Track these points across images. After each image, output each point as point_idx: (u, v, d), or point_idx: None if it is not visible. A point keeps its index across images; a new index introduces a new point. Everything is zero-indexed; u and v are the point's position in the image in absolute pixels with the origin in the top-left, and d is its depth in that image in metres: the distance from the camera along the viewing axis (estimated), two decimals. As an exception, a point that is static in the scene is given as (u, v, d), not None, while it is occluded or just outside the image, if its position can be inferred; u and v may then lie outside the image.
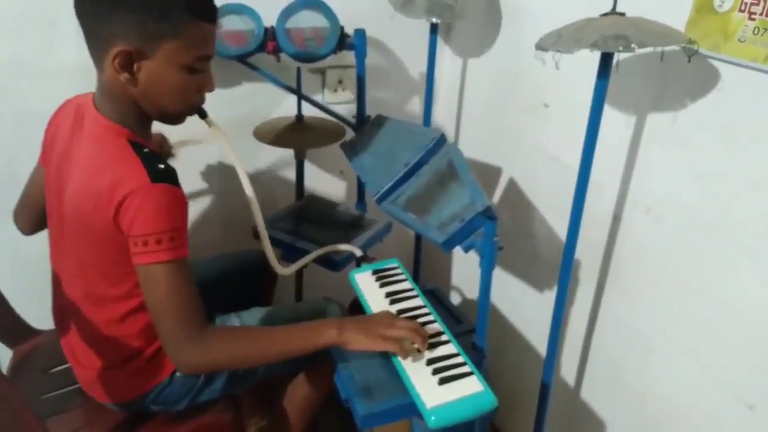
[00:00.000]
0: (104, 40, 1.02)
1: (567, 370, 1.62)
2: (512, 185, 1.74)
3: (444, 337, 1.18)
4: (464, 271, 2.13)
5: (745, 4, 1.01)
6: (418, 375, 1.08)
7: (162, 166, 1.05)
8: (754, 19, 1.00)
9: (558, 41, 1.09)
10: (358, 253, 1.52)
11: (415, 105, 2.03)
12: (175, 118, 1.16)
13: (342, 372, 1.14)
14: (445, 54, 1.97)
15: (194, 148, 1.80)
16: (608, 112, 1.20)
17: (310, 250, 1.51)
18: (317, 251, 1.49)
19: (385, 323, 1.14)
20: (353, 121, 1.79)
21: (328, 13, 1.63)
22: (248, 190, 1.33)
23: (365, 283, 1.35)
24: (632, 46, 1.00)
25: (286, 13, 1.60)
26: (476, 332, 1.28)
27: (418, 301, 1.28)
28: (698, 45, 1.05)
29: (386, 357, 1.14)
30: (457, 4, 1.56)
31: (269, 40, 1.61)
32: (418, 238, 2.03)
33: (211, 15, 1.07)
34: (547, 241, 1.62)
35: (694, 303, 1.22)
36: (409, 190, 1.38)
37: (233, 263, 1.64)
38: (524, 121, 1.66)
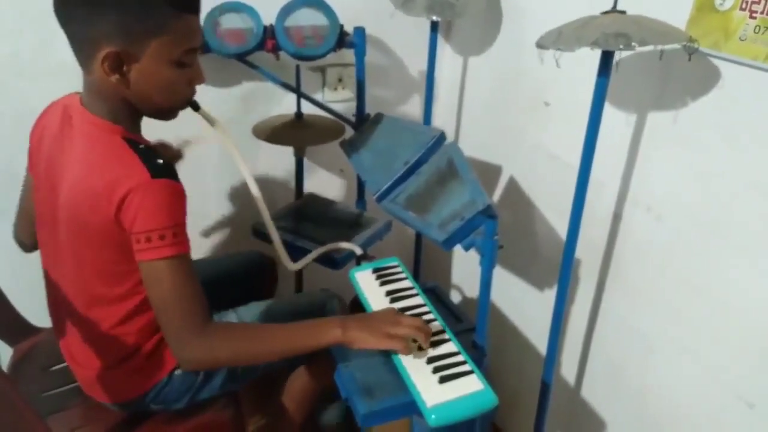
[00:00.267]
0: (90, 43, 1.01)
1: (567, 368, 1.62)
2: (512, 184, 1.74)
3: (444, 336, 1.18)
4: (464, 269, 2.12)
5: (746, 2, 1.01)
6: (418, 373, 1.08)
7: (160, 161, 1.05)
8: (755, 18, 1.00)
9: (559, 39, 1.09)
10: (359, 251, 1.52)
11: (415, 103, 2.03)
12: (167, 113, 1.15)
13: (342, 370, 1.14)
14: (446, 52, 1.96)
15: (194, 148, 1.80)
16: (609, 111, 1.20)
17: (310, 248, 1.51)
18: (323, 248, 1.49)
19: (389, 321, 1.13)
20: (353, 119, 1.78)
21: (327, 11, 1.62)
22: (253, 188, 1.35)
23: (365, 282, 1.35)
24: (633, 44, 1.00)
25: (286, 11, 1.60)
26: (476, 331, 1.28)
27: (419, 300, 1.28)
28: (699, 43, 1.05)
29: (386, 355, 1.14)
30: (458, 2, 1.55)
31: (268, 39, 1.61)
32: (418, 236, 2.03)
33: (194, 6, 1.06)
34: (548, 240, 1.62)
35: (695, 302, 1.22)
36: (409, 188, 1.38)
37: (234, 264, 1.64)
38: (525, 120, 1.66)
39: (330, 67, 1.86)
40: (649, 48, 1.04)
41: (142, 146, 1.07)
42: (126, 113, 1.10)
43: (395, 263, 1.40)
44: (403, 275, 1.36)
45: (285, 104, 1.83)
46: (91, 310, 1.17)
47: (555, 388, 1.50)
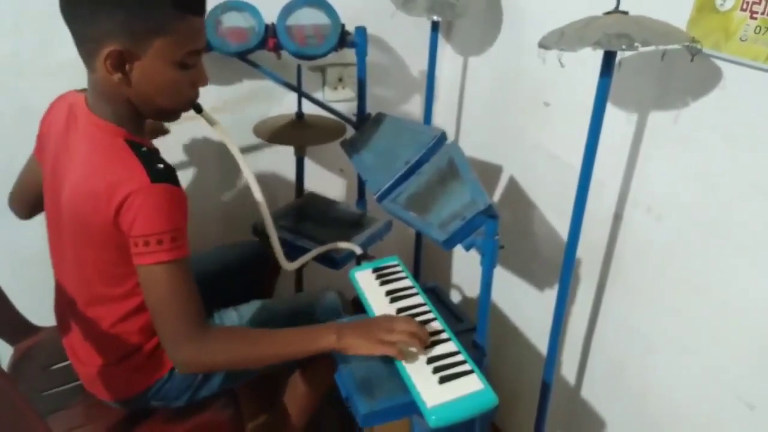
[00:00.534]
0: (93, 41, 1.01)
1: (567, 369, 1.62)
2: (513, 184, 1.74)
3: (444, 336, 1.18)
4: (465, 269, 2.12)
5: (747, 3, 1.01)
6: (418, 374, 1.08)
7: (161, 165, 1.05)
8: (755, 18, 1.00)
9: (561, 40, 1.09)
10: (359, 251, 1.52)
11: (416, 103, 2.03)
12: (170, 115, 1.15)
13: (342, 371, 1.14)
14: (446, 52, 1.96)
15: (193, 145, 1.81)
16: (609, 111, 1.20)
17: (310, 248, 1.51)
18: (321, 248, 1.50)
19: (384, 327, 1.13)
20: (354, 118, 1.78)
21: (329, 10, 1.62)
22: (254, 188, 1.35)
23: (365, 281, 1.35)
24: (635, 44, 1.00)
25: (287, 11, 1.60)
26: (477, 331, 1.28)
27: (419, 299, 1.28)
28: (701, 44, 1.05)
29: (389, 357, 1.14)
30: (458, 2, 1.55)
31: (270, 38, 1.61)
32: (419, 236, 2.03)
33: (199, 8, 1.05)
34: (548, 240, 1.62)
35: (695, 302, 1.22)
36: (409, 188, 1.38)
37: (233, 255, 1.63)
38: (525, 120, 1.66)
39: (330, 67, 1.86)
40: (651, 49, 1.04)
41: (144, 149, 1.07)
42: (129, 114, 1.10)
43: (395, 263, 1.40)
44: (403, 275, 1.36)
45: (286, 103, 1.83)
46: (93, 308, 1.17)
47: (555, 388, 1.50)
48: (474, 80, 1.88)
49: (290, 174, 1.91)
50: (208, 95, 1.24)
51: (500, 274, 1.78)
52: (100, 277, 1.14)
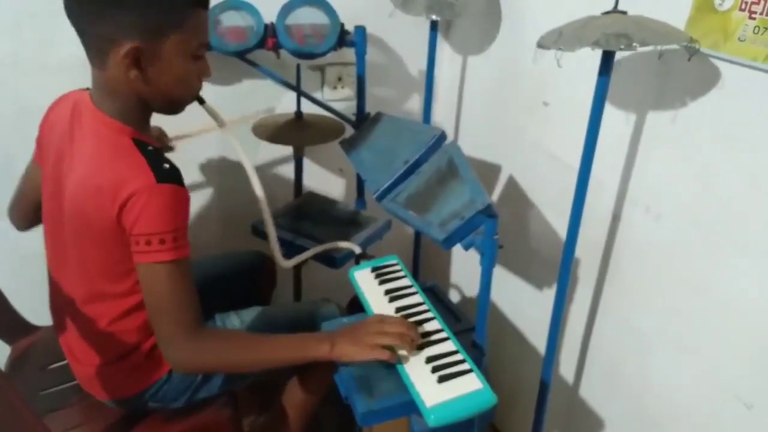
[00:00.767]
0: (106, 40, 1.01)
1: (566, 368, 1.62)
2: (512, 183, 1.74)
3: (443, 335, 1.18)
4: (464, 268, 2.13)
5: (746, 3, 1.01)
6: (417, 373, 1.08)
7: (167, 165, 1.05)
8: (754, 18, 1.00)
9: (559, 39, 1.09)
10: (358, 250, 1.52)
11: (415, 102, 2.03)
12: (178, 107, 1.16)
13: (342, 370, 1.14)
14: (445, 51, 1.96)
15: (193, 145, 1.80)
16: (608, 111, 1.20)
17: (309, 247, 1.51)
18: (318, 247, 1.50)
19: (374, 331, 1.13)
20: (353, 118, 1.78)
21: (328, 9, 1.62)
22: (257, 186, 1.37)
23: (364, 281, 1.35)
24: (634, 44, 1.00)
25: (286, 10, 1.60)
26: (476, 330, 1.28)
27: (418, 299, 1.28)
28: (700, 44, 1.05)
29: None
30: (457, 1, 1.55)
31: (269, 37, 1.61)
32: (418, 235, 2.03)
33: (208, 1, 1.09)
34: (547, 240, 1.62)
35: (694, 302, 1.22)
36: (409, 187, 1.38)
37: (234, 263, 1.64)
38: (524, 120, 1.66)
39: (330, 66, 1.86)
40: (649, 48, 1.04)
41: (150, 148, 1.07)
42: (137, 112, 1.10)
43: (394, 262, 1.40)
44: (402, 274, 1.36)
45: (285, 103, 1.83)
46: (92, 306, 1.17)
47: (554, 387, 1.50)
48: (473, 80, 1.88)
49: (289, 173, 1.91)
50: (207, 95, 1.24)
51: (499, 273, 1.77)
52: (102, 273, 1.14)
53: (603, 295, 1.46)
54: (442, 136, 1.40)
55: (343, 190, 2.07)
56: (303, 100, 1.73)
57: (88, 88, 1.14)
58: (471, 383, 1.07)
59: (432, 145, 1.39)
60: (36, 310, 1.43)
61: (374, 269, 1.38)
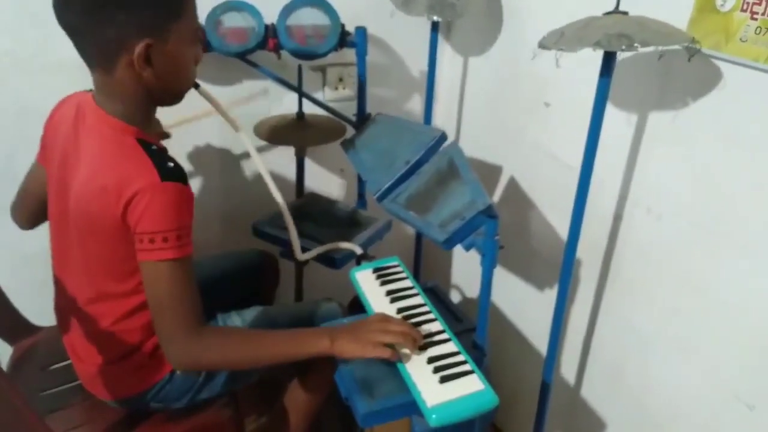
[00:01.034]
0: (113, 44, 1.01)
1: (567, 369, 1.62)
2: (513, 184, 1.74)
3: (444, 336, 1.18)
4: (464, 269, 2.12)
5: (747, 3, 1.01)
6: (418, 373, 1.08)
7: (171, 164, 1.06)
8: (756, 19, 1.00)
9: (561, 40, 1.09)
10: (359, 251, 1.52)
11: (416, 103, 2.03)
12: (181, 96, 1.17)
13: (343, 370, 1.15)
14: (446, 52, 1.96)
15: (194, 145, 1.80)
16: (609, 111, 1.20)
17: (310, 247, 1.51)
18: (332, 244, 1.51)
19: (376, 329, 1.13)
20: (354, 118, 1.78)
21: (329, 10, 1.62)
22: (266, 176, 1.40)
23: (366, 282, 1.35)
24: (635, 45, 1.00)
25: (287, 11, 1.60)
26: (477, 331, 1.28)
27: (419, 300, 1.28)
28: (701, 45, 1.05)
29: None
30: (458, 2, 1.55)
31: (270, 38, 1.61)
32: (419, 236, 2.03)
33: None
34: (548, 240, 1.62)
35: (695, 302, 1.22)
36: (410, 188, 1.38)
37: (236, 263, 1.64)
38: (525, 120, 1.66)
39: (331, 67, 1.86)
40: (651, 49, 1.04)
41: (154, 148, 1.07)
42: (141, 111, 1.11)
43: (396, 263, 1.40)
44: (403, 275, 1.36)
45: (286, 103, 1.83)
46: (96, 305, 1.17)
47: (555, 388, 1.50)
48: (474, 80, 1.88)
49: (290, 174, 1.91)
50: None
51: (500, 274, 1.78)
52: (106, 273, 1.14)
53: (604, 295, 1.46)
54: (443, 137, 1.40)
55: (344, 191, 2.07)
56: (304, 100, 1.73)
57: (90, 90, 1.14)
58: (472, 384, 1.07)
59: (433, 145, 1.39)
60: (38, 310, 1.43)
61: (375, 270, 1.38)
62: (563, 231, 1.34)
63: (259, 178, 1.45)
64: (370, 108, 1.77)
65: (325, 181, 2.03)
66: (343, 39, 1.66)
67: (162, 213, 1.02)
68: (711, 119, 1.14)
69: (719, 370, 1.19)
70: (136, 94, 1.07)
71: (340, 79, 1.89)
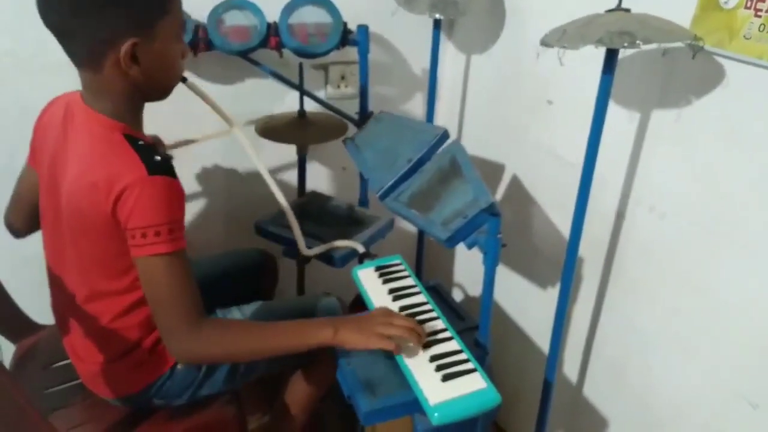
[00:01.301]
0: (100, 43, 1.01)
1: (569, 367, 1.62)
2: (515, 182, 1.74)
3: (447, 334, 1.18)
4: (467, 268, 2.12)
5: (751, 0, 1.01)
6: (421, 372, 1.08)
7: (158, 158, 1.05)
8: (760, 16, 1.00)
9: (563, 37, 1.08)
10: (361, 249, 1.52)
11: (418, 101, 2.03)
12: (169, 92, 1.17)
13: (344, 368, 1.15)
14: (448, 50, 1.96)
15: (196, 146, 1.80)
16: (612, 109, 1.20)
17: (311, 246, 1.51)
18: (338, 242, 1.51)
19: (381, 322, 1.14)
20: (356, 117, 1.78)
21: (331, 8, 1.62)
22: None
23: (368, 280, 1.35)
24: (638, 42, 1.00)
25: (289, 9, 1.60)
26: (479, 329, 1.28)
27: (421, 298, 1.28)
28: (704, 42, 1.05)
29: (389, 353, 1.14)
30: (461, 0, 1.55)
31: (272, 36, 1.61)
32: (421, 234, 2.03)
33: None
34: (550, 239, 1.62)
35: (697, 301, 1.22)
36: (412, 186, 1.38)
37: (235, 261, 1.64)
38: (527, 118, 1.66)
39: (333, 65, 1.86)
40: (653, 46, 1.04)
41: (141, 143, 1.07)
42: (129, 109, 1.11)
43: (398, 261, 1.40)
44: (405, 273, 1.36)
45: (288, 102, 1.83)
46: (93, 304, 1.17)
47: (557, 386, 1.50)
48: (476, 78, 1.88)
49: (292, 172, 1.91)
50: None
51: (502, 272, 1.78)
52: (100, 271, 1.14)
53: (606, 294, 1.46)
54: (445, 135, 1.40)
55: (346, 189, 2.07)
56: (306, 98, 1.73)
57: (78, 91, 1.14)
58: (475, 382, 1.07)
59: (435, 143, 1.39)
60: (40, 308, 1.43)
61: (378, 268, 1.38)
62: (565, 229, 1.34)
63: (260, 175, 1.44)
64: (372, 106, 1.77)
65: (327, 180, 2.03)
66: (345, 37, 1.66)
67: (152, 207, 1.02)
68: (714, 117, 1.13)
69: (722, 369, 1.19)
70: (124, 91, 1.07)
71: (342, 78, 1.89)
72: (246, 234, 1.65)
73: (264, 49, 1.63)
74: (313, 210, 1.73)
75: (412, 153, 1.40)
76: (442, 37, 1.90)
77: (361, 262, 1.53)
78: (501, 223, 1.15)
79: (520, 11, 1.64)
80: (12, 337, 1.44)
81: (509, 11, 1.67)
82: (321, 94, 1.88)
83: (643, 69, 1.26)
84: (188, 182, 1.84)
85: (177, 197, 1.06)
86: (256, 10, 1.58)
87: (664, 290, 1.30)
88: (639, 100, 1.28)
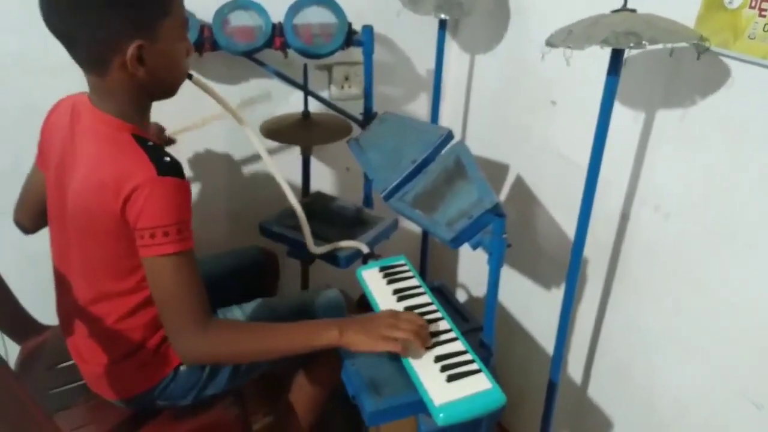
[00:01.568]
0: (105, 45, 1.02)
1: (574, 368, 1.62)
2: (519, 182, 1.74)
3: (451, 335, 1.18)
4: (471, 268, 2.12)
5: (756, 0, 1.01)
6: (426, 372, 1.08)
7: (168, 159, 1.06)
8: (764, 16, 1.00)
9: (569, 37, 1.08)
10: (365, 249, 1.52)
11: (423, 102, 2.03)
12: (175, 90, 1.17)
13: (349, 368, 1.15)
14: (453, 50, 1.96)
15: (200, 144, 1.81)
16: (617, 109, 1.19)
17: (317, 246, 1.51)
18: (344, 242, 1.51)
19: (387, 323, 1.13)
20: (360, 117, 1.78)
21: (335, 9, 1.62)
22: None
23: (372, 280, 1.35)
24: (643, 42, 1.00)
25: (294, 9, 1.60)
26: (483, 330, 1.28)
27: (426, 299, 1.28)
28: (710, 42, 1.04)
29: (393, 353, 1.14)
30: (466, 0, 1.55)
31: (277, 36, 1.61)
32: (425, 235, 2.03)
33: None
34: (555, 239, 1.61)
35: (702, 301, 1.22)
36: (416, 187, 1.38)
37: (236, 260, 1.64)
38: (531, 119, 1.66)
39: (337, 66, 1.86)
40: (658, 47, 1.04)
41: (150, 143, 1.07)
42: (137, 109, 1.11)
43: (402, 262, 1.40)
44: (410, 274, 1.36)
45: (292, 102, 1.83)
46: (98, 305, 1.18)
47: (562, 387, 1.50)
48: (481, 79, 1.88)
49: (297, 173, 1.91)
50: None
51: (507, 273, 1.78)
52: (107, 271, 1.14)
53: (611, 294, 1.45)
54: (450, 136, 1.40)
55: (350, 190, 2.07)
56: (310, 99, 1.73)
57: (85, 92, 1.14)
58: (480, 383, 1.07)
59: (439, 144, 1.39)
60: (45, 309, 1.43)
61: (382, 269, 1.38)
62: (570, 230, 1.34)
63: (266, 176, 1.45)
64: (377, 107, 1.77)
65: (331, 180, 2.03)
66: (350, 38, 1.66)
67: (161, 208, 1.03)
68: (719, 118, 1.13)
69: (726, 369, 1.18)
70: (131, 92, 1.08)
71: (347, 78, 1.89)
72: (249, 233, 1.66)
73: (269, 49, 1.63)
74: (318, 210, 1.73)
75: (416, 153, 1.40)
76: (447, 37, 1.90)
77: (365, 262, 1.53)
78: (506, 224, 1.14)
79: (525, 12, 1.63)
80: (17, 338, 1.45)
81: (514, 12, 1.67)
82: (325, 94, 1.88)
83: (647, 69, 1.25)
84: (191, 181, 1.84)
85: (185, 198, 1.07)
86: (261, 11, 1.58)
87: (668, 290, 1.29)
88: (644, 101, 1.28)
